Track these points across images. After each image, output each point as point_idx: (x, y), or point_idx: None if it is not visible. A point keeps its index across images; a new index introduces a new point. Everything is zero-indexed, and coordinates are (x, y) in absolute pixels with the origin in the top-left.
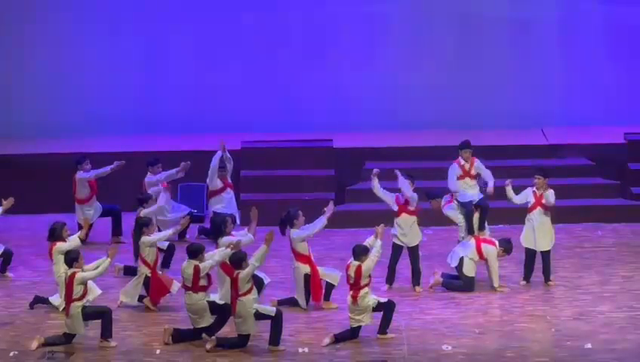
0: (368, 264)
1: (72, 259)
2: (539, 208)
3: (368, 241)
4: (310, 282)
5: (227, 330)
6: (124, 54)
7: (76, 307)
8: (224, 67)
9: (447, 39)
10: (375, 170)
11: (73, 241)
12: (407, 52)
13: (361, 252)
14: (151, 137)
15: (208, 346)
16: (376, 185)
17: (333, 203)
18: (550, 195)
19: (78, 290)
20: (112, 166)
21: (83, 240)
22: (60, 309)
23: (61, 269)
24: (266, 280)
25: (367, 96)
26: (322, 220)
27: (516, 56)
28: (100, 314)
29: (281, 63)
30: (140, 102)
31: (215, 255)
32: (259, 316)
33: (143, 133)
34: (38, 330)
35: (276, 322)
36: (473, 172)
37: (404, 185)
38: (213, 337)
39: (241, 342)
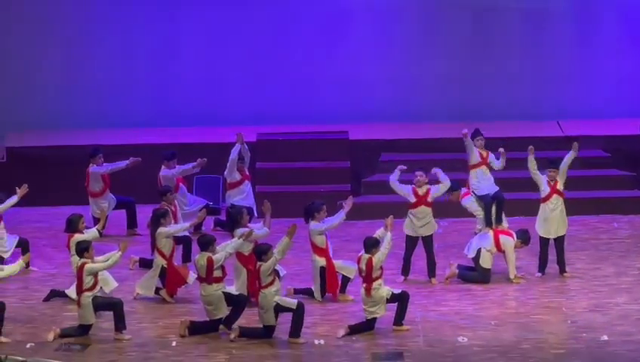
0: (379, 256)
1: (82, 249)
2: (555, 195)
3: (378, 233)
4: (326, 275)
5: (243, 322)
6: (139, 46)
7: (87, 297)
8: (239, 60)
9: (462, 30)
10: (402, 167)
11: (91, 233)
12: (423, 43)
13: (371, 244)
14: (166, 130)
15: (232, 336)
16: (395, 178)
17: (352, 197)
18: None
19: (88, 281)
20: (127, 162)
21: (101, 233)
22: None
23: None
24: (282, 272)
25: (383, 88)
26: (341, 215)
27: (531, 47)
28: (111, 306)
29: (296, 55)
30: (154, 95)
31: (228, 246)
32: (280, 309)
33: (158, 126)
34: (55, 322)
35: (297, 314)
36: (489, 161)
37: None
38: (235, 327)
39: (266, 333)
